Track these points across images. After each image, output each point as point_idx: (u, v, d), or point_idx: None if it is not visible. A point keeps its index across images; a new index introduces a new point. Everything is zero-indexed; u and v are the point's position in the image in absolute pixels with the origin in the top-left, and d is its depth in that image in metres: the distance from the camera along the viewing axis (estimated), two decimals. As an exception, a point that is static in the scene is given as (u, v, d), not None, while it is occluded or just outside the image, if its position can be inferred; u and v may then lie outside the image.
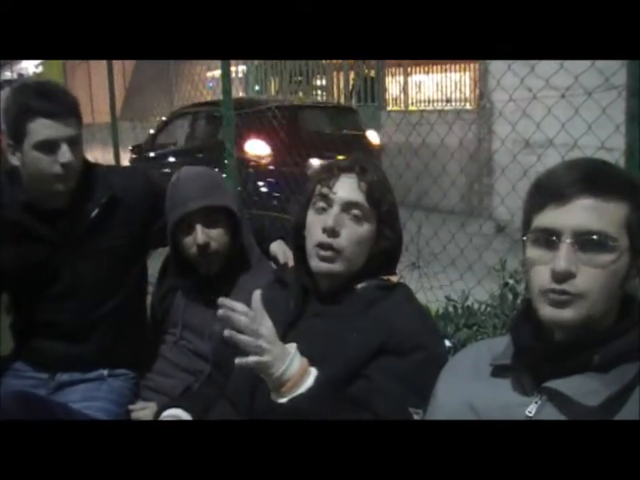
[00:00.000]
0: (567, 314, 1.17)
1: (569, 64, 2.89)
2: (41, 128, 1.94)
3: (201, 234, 2.00)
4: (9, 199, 2.07)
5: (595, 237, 1.16)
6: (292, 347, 1.45)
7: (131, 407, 2.10)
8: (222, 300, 1.41)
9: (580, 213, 1.17)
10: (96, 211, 2.08)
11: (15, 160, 2.00)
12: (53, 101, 1.96)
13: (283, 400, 1.41)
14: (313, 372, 1.44)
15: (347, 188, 1.58)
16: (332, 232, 1.55)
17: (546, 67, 2.94)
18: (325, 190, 1.59)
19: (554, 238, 1.18)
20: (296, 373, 1.41)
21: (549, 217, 1.20)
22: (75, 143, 1.99)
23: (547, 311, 1.19)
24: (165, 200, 2.08)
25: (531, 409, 1.20)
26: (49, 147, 1.95)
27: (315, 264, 1.58)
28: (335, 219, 1.56)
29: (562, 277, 1.16)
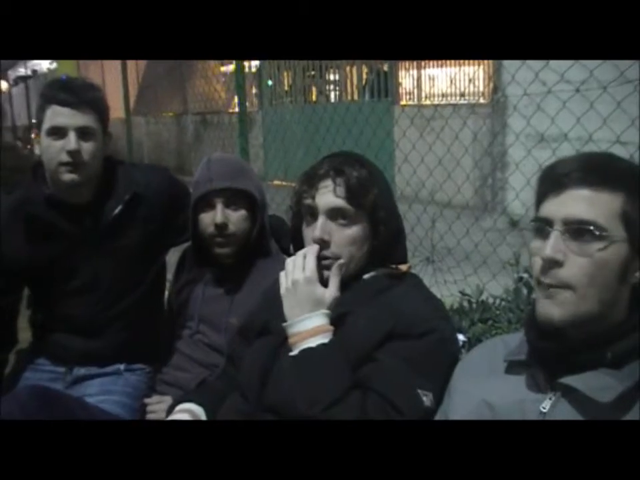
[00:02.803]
0: (555, 311, 1.18)
1: (584, 58, 2.88)
2: (53, 114, 1.99)
3: (220, 213, 2.05)
4: (33, 193, 2.10)
5: (583, 225, 1.17)
6: (323, 311, 1.51)
7: (146, 400, 2.12)
8: None
9: (571, 202, 1.19)
10: (119, 208, 2.10)
11: (38, 149, 2.05)
12: (69, 91, 1.99)
13: (294, 353, 1.48)
14: (330, 336, 1.48)
15: (326, 196, 1.58)
16: (322, 242, 1.57)
17: (561, 61, 2.92)
18: (308, 201, 1.60)
19: (548, 227, 1.20)
20: (310, 329, 1.48)
21: (546, 207, 1.22)
22: (89, 135, 2.01)
23: (538, 309, 1.21)
24: (193, 180, 2.12)
25: (545, 405, 1.20)
26: (58, 133, 1.98)
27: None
28: (322, 229, 1.57)
29: (547, 264, 1.18)
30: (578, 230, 1.17)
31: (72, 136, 1.98)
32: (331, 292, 1.53)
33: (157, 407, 2.06)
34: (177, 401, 1.85)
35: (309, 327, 1.49)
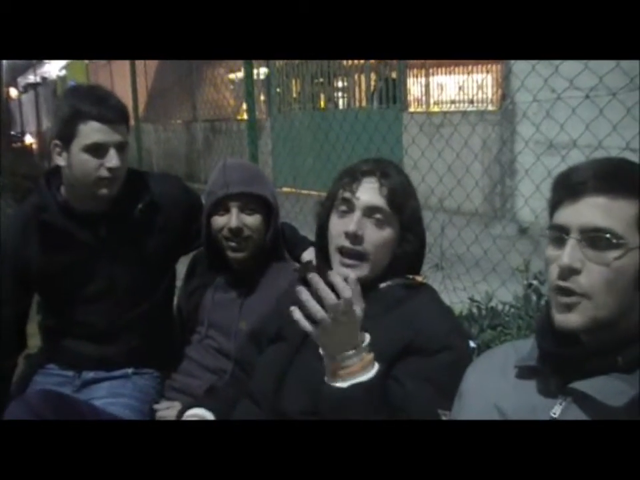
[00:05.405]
0: (573, 318, 1.17)
1: (593, 64, 2.88)
2: (92, 131, 1.97)
3: (235, 218, 2.06)
4: (47, 201, 2.10)
5: (600, 233, 1.16)
6: (366, 336, 1.43)
7: (155, 406, 2.13)
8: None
9: (587, 210, 1.18)
10: (134, 216, 2.11)
11: (60, 160, 2.03)
12: (105, 106, 1.99)
13: (343, 385, 1.39)
14: (376, 366, 1.42)
15: (368, 192, 1.59)
16: (354, 237, 1.57)
17: (570, 67, 2.92)
18: (347, 194, 1.60)
19: (564, 235, 1.20)
20: (363, 360, 1.40)
21: (562, 215, 1.21)
22: (123, 149, 2.02)
23: (556, 316, 1.20)
24: (208, 185, 2.13)
25: (556, 410, 1.20)
26: (98, 150, 1.98)
27: (338, 269, 1.57)
28: (357, 224, 1.57)
29: (565, 272, 1.17)
30: (595, 238, 1.17)
31: (113, 153, 1.98)
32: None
33: (166, 413, 2.07)
34: (187, 407, 1.86)
35: (358, 363, 1.40)
